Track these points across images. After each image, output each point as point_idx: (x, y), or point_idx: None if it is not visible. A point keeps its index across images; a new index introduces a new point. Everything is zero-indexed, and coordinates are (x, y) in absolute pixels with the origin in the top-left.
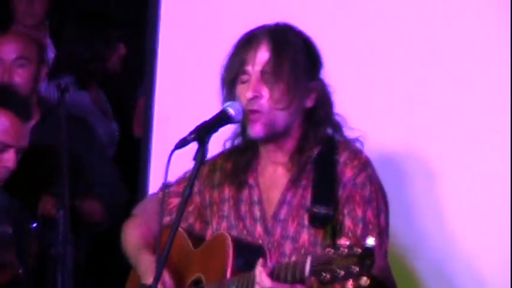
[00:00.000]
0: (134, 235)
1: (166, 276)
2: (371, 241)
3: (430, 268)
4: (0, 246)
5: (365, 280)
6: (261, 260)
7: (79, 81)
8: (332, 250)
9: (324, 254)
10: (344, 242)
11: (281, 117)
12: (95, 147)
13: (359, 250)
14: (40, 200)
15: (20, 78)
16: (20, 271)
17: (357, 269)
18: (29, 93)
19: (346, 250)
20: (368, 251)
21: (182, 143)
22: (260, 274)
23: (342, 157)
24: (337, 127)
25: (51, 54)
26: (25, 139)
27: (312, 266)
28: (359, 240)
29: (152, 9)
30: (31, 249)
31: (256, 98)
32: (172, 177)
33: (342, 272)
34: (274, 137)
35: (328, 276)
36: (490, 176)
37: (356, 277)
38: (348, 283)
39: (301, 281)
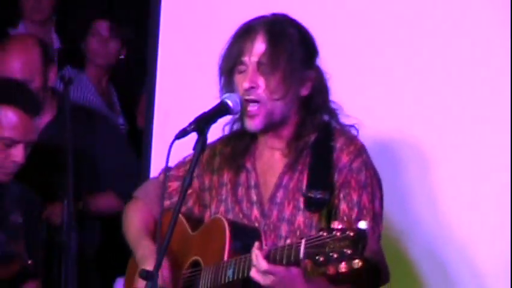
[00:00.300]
0: (135, 219)
1: (165, 265)
2: (363, 225)
3: (423, 252)
4: (10, 236)
5: (357, 262)
6: (257, 244)
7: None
8: (326, 233)
9: (318, 237)
10: (337, 225)
11: (278, 107)
12: (107, 137)
13: (352, 233)
14: (46, 208)
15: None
16: (29, 262)
17: (350, 251)
18: (40, 92)
19: (339, 233)
20: (361, 234)
21: (183, 134)
22: (256, 257)
23: (338, 143)
24: (333, 114)
25: (56, 46)
26: (33, 134)
27: (306, 248)
28: (352, 224)
29: (154, 8)
30: (41, 238)
31: (252, 88)
32: (172, 161)
33: (336, 255)
34: (272, 126)
35: (322, 258)
36: (483, 164)
37: (349, 259)
38: (341, 265)
39: (296, 263)
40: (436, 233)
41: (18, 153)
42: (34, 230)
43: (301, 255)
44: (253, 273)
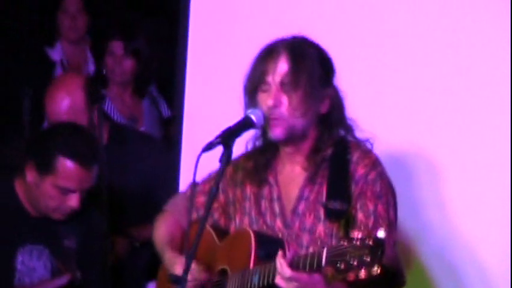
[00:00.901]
0: (162, 230)
1: (194, 265)
2: (381, 233)
3: (434, 256)
4: (62, 261)
5: (376, 269)
6: (280, 252)
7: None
8: (346, 242)
9: (339, 245)
10: (356, 234)
11: (299, 123)
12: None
13: (371, 242)
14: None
15: None
16: (78, 274)
17: (369, 258)
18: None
19: (359, 242)
20: (379, 243)
21: (209, 147)
22: (281, 265)
23: (354, 156)
24: (349, 129)
25: (91, 67)
26: (88, 183)
27: (328, 256)
28: (370, 232)
29: (182, 25)
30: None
31: (276, 106)
32: (199, 177)
33: (356, 262)
34: (292, 139)
35: (343, 265)
36: (490, 172)
37: (368, 266)
38: (361, 272)
39: (318, 270)
40: (446, 238)
41: (73, 200)
42: (90, 249)
43: (323, 262)
44: (278, 280)
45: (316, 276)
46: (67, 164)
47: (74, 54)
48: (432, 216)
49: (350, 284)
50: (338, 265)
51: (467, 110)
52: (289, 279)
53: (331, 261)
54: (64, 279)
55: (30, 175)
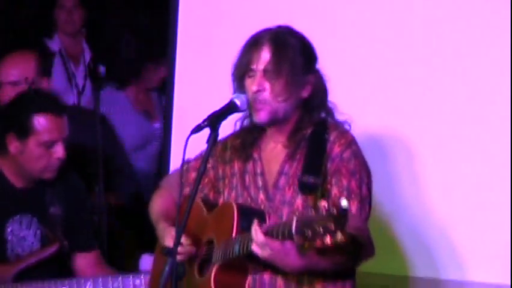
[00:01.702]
0: (156, 205)
1: (184, 238)
2: (344, 203)
3: (407, 233)
4: (49, 228)
5: (339, 235)
6: (256, 221)
7: (119, 81)
8: (313, 211)
9: (306, 214)
10: (323, 204)
11: (281, 107)
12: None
13: (335, 211)
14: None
15: (9, 92)
16: (65, 243)
17: (333, 226)
18: None
19: (325, 211)
20: (342, 211)
21: (197, 129)
22: (256, 232)
23: (332, 136)
24: (329, 112)
25: (87, 57)
26: (66, 130)
27: (297, 225)
28: (336, 203)
29: (172, 21)
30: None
31: (260, 91)
32: (191, 156)
33: (322, 230)
34: (275, 122)
35: (310, 233)
36: (462, 154)
37: (333, 233)
38: (327, 238)
39: (290, 238)
40: (419, 216)
41: (59, 150)
42: (77, 214)
43: (294, 230)
44: (254, 247)
45: (288, 244)
46: (42, 119)
47: (71, 45)
48: (407, 196)
49: (320, 252)
50: (306, 233)
51: (439, 94)
52: (263, 246)
53: (300, 229)
54: (52, 249)
55: (13, 146)
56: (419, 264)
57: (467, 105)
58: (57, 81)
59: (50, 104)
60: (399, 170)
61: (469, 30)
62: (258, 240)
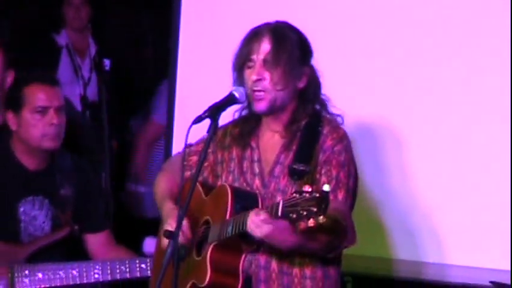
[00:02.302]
0: (161, 186)
1: (184, 221)
2: (326, 187)
3: (394, 221)
4: (60, 209)
5: (321, 218)
6: (256, 209)
7: None
8: (298, 195)
9: (292, 197)
10: (307, 188)
11: (279, 96)
12: None
13: (318, 195)
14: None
15: None
16: (76, 227)
17: (316, 209)
18: None
19: (308, 195)
20: (324, 195)
21: (198, 119)
22: (252, 215)
23: (325, 129)
24: (323, 104)
25: (93, 51)
26: (58, 99)
27: (283, 207)
28: (318, 187)
29: (174, 15)
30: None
31: (259, 80)
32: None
33: (305, 212)
34: (273, 111)
35: (294, 215)
36: (444, 147)
37: (315, 215)
38: (310, 221)
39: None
40: (406, 205)
41: (52, 116)
42: (87, 196)
43: (280, 212)
44: (251, 228)
45: (281, 223)
46: (31, 89)
47: (78, 40)
48: (394, 185)
49: (304, 233)
50: (291, 215)
51: (426, 89)
52: (259, 226)
53: (286, 211)
54: (63, 232)
55: (12, 121)
56: (403, 248)
57: (451, 102)
58: (64, 73)
59: (38, 75)
60: (387, 161)
61: (456, 23)
62: (255, 221)
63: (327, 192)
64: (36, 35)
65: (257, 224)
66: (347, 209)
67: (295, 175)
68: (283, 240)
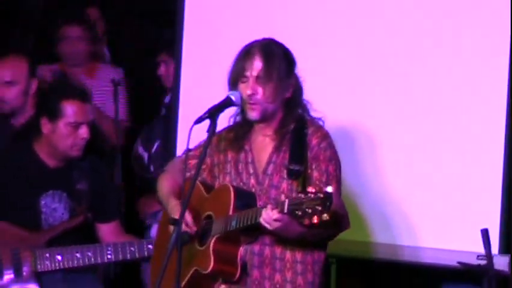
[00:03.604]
0: (165, 185)
1: (187, 214)
2: (329, 189)
3: (370, 206)
4: (77, 201)
5: (325, 216)
6: (269, 205)
7: None
8: (303, 195)
9: (297, 197)
10: (311, 189)
11: (270, 107)
12: None
13: (322, 195)
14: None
15: (9, 96)
16: (89, 215)
17: (320, 208)
18: (22, 104)
19: (313, 195)
20: (328, 196)
21: (199, 120)
22: (268, 212)
23: (310, 130)
24: (305, 108)
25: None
26: (91, 114)
27: (289, 205)
28: (322, 188)
29: (178, 28)
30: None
31: (253, 94)
32: (192, 144)
33: (310, 210)
34: (265, 119)
35: (300, 213)
36: (414, 141)
37: (320, 213)
38: (314, 218)
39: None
40: (379, 193)
41: (84, 132)
42: (100, 190)
43: (286, 210)
44: (264, 222)
45: (286, 217)
46: (69, 104)
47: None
48: (369, 177)
49: (307, 227)
50: (297, 212)
51: (394, 92)
52: (273, 222)
53: (292, 209)
54: (78, 220)
55: (46, 127)
56: (379, 232)
57: (415, 102)
58: None
59: (76, 91)
60: (363, 156)
61: (430, 27)
62: (273, 217)
63: (330, 194)
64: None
65: (269, 220)
66: (340, 199)
67: (293, 175)
68: (291, 232)
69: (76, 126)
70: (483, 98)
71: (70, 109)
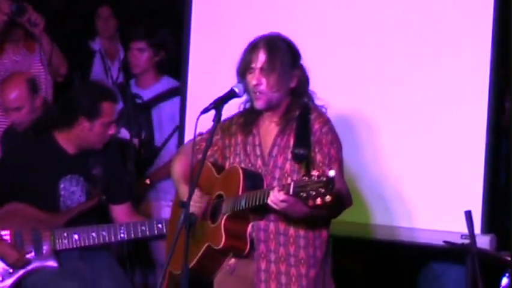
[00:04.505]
0: (177, 169)
1: (198, 192)
2: (332, 173)
3: (368, 189)
4: (92, 185)
5: (328, 197)
6: (276, 187)
7: None
8: (307, 178)
9: (302, 180)
10: (315, 172)
11: (275, 96)
12: None
13: (325, 178)
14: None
15: (16, 118)
16: (103, 197)
17: (323, 190)
18: (30, 122)
19: (316, 178)
20: (331, 179)
21: (205, 110)
22: (277, 193)
23: (313, 116)
24: (310, 97)
25: (122, 55)
26: (117, 113)
27: (294, 187)
28: (325, 171)
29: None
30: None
31: (258, 84)
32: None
33: (314, 192)
34: (270, 107)
35: (304, 195)
36: (410, 128)
37: (323, 195)
38: (318, 199)
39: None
40: (377, 176)
41: (113, 129)
42: (113, 175)
43: (291, 192)
44: (272, 202)
45: (291, 198)
46: (107, 105)
47: (108, 46)
48: (368, 161)
49: (311, 208)
50: (301, 194)
51: (392, 82)
52: (281, 202)
53: (296, 191)
54: (93, 202)
55: (83, 126)
56: (377, 214)
57: (411, 92)
58: (96, 73)
59: (111, 93)
60: (362, 142)
61: (427, 21)
62: (280, 198)
63: (333, 177)
64: (76, 42)
65: (276, 201)
66: (342, 179)
67: (298, 158)
68: (296, 212)
69: (109, 124)
70: (466, 89)
71: (107, 110)
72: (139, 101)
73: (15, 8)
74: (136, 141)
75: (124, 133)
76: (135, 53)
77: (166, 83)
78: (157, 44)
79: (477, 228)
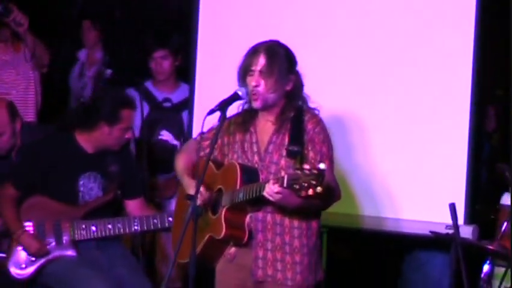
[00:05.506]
0: (180, 164)
1: (203, 189)
2: (322, 166)
3: (358, 183)
4: (109, 181)
5: (319, 188)
6: (271, 180)
7: None
8: (299, 171)
9: (294, 173)
10: (307, 166)
11: (271, 97)
12: None
13: (316, 171)
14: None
15: (1, 145)
16: (118, 193)
17: (315, 182)
18: (12, 145)
19: (308, 171)
20: (321, 172)
21: (211, 112)
22: (271, 186)
23: (307, 117)
24: (304, 100)
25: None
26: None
27: (288, 180)
28: (315, 165)
29: (193, 32)
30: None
31: (257, 86)
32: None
33: (306, 184)
34: (267, 108)
35: (297, 186)
36: (397, 127)
37: (314, 187)
38: (309, 191)
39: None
40: (366, 172)
41: (130, 134)
42: (128, 172)
43: (285, 184)
44: (268, 194)
45: (286, 190)
46: (127, 112)
47: (90, 54)
48: (359, 159)
49: (304, 198)
50: (294, 186)
51: (382, 85)
52: (276, 194)
53: (290, 184)
54: (109, 196)
55: (103, 130)
56: (366, 206)
57: (398, 93)
58: (73, 77)
59: (130, 101)
60: (353, 141)
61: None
62: (274, 190)
63: (323, 170)
64: (66, 52)
65: (271, 193)
66: (333, 174)
67: (292, 155)
68: (290, 203)
69: (127, 129)
70: (451, 90)
71: (126, 116)
72: (168, 104)
73: (1, 8)
74: (177, 143)
75: (167, 135)
76: (159, 61)
77: (187, 87)
78: (175, 49)
79: (460, 219)
